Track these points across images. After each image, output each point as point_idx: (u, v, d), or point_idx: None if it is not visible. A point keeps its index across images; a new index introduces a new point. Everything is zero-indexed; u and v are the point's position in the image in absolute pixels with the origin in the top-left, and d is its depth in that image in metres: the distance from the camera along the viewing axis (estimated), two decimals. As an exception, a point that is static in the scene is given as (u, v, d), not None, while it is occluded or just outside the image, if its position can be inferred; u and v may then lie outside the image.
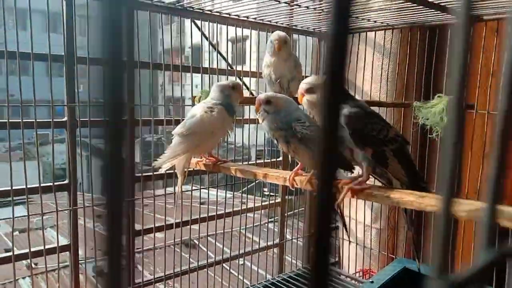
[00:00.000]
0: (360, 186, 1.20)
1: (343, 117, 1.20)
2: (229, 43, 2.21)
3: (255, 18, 2.02)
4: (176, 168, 1.65)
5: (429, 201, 1.12)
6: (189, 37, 2.07)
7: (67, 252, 1.80)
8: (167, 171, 1.89)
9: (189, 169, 1.76)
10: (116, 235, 0.24)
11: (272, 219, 2.69)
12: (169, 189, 2.04)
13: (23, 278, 2.15)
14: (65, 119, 1.70)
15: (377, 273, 1.88)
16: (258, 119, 2.10)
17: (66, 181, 1.74)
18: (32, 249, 1.68)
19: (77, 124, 1.69)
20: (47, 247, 1.70)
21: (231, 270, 2.33)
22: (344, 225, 2.04)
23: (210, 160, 1.69)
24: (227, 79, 2.14)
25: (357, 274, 2.22)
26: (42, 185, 1.64)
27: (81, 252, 2.13)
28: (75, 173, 1.72)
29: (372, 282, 1.74)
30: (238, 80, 1.71)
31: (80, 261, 2.50)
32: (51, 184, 1.67)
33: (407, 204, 1.19)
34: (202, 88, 1.94)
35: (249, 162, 2.33)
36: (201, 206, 2.39)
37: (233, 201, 2.31)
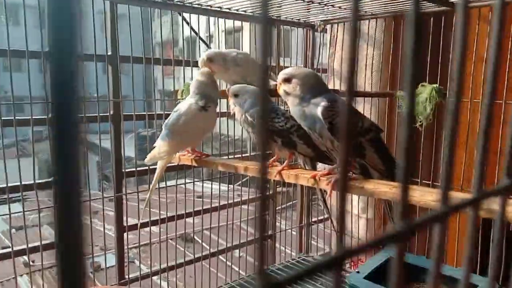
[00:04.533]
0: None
1: (320, 110, 1.21)
2: (223, 34, 2.20)
3: (237, 10, 2.00)
4: (157, 164, 1.66)
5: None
6: (182, 30, 2.06)
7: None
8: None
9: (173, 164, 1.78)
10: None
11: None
12: (164, 183, 2.04)
13: (21, 275, 2.18)
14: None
15: (364, 263, 1.89)
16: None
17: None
18: (29, 245, 1.70)
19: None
20: (34, 244, 1.71)
21: (219, 260, 2.35)
22: (330, 214, 2.05)
23: (194, 154, 1.68)
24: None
25: (347, 265, 2.23)
26: (24, 183, 1.65)
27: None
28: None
29: (358, 272, 1.75)
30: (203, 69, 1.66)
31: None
32: (32, 182, 1.67)
33: (381, 194, 1.19)
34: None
35: (243, 155, 2.35)
36: (197, 200, 2.41)
37: (228, 194, 2.32)
